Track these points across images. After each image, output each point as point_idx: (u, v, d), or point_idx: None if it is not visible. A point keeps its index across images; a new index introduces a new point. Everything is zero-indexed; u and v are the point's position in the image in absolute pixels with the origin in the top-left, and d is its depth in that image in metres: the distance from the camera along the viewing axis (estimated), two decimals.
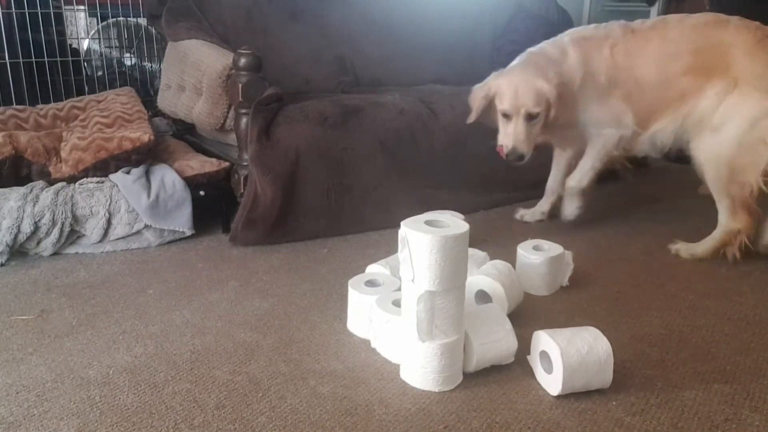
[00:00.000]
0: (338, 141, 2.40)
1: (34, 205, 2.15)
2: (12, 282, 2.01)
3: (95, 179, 2.32)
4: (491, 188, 2.75)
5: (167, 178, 2.35)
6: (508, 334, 1.54)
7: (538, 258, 1.96)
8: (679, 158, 2.60)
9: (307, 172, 2.35)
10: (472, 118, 2.31)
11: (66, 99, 2.87)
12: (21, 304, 1.86)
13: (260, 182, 2.29)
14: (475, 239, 2.29)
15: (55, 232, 2.16)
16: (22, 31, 2.99)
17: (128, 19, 3.30)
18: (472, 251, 1.98)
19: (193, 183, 2.39)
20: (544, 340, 1.47)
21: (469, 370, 1.51)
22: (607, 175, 2.55)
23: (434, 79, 3.28)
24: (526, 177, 2.69)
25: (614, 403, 1.44)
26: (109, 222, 2.23)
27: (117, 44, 3.32)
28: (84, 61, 3.25)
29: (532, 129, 2.20)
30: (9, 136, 2.31)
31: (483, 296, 1.77)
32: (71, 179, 2.32)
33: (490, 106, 2.27)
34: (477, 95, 2.30)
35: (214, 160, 2.53)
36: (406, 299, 1.46)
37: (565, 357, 1.40)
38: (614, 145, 2.33)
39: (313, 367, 1.56)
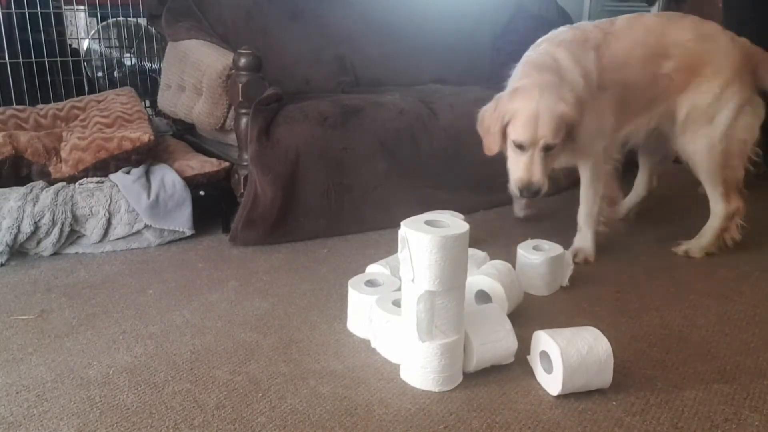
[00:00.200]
0: (338, 141, 2.40)
1: (34, 205, 2.15)
2: (12, 282, 2.01)
3: (95, 179, 2.32)
4: (491, 188, 2.75)
5: (167, 178, 2.35)
6: (508, 334, 1.54)
7: (538, 258, 1.96)
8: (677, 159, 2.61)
9: (307, 172, 2.35)
10: (493, 150, 2.04)
11: (66, 99, 2.87)
12: (21, 304, 1.86)
13: (260, 182, 2.29)
14: (475, 239, 2.29)
15: (55, 232, 2.16)
16: (22, 31, 2.99)
17: (128, 19, 3.30)
18: (472, 251, 1.98)
19: (193, 183, 2.40)
20: (544, 340, 1.47)
21: (469, 370, 1.51)
22: None
23: (434, 79, 3.28)
24: None
25: (614, 403, 1.44)
26: (109, 222, 2.23)
27: (117, 44, 3.32)
28: (84, 61, 3.25)
29: (549, 160, 1.97)
30: (9, 136, 2.31)
31: (483, 296, 1.77)
32: (71, 179, 2.32)
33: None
34: (490, 122, 2.03)
35: (214, 160, 2.53)
36: (406, 299, 1.46)
37: (565, 357, 1.40)
38: (603, 159, 2.20)
39: (313, 367, 1.56)
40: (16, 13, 2.92)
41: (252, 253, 2.28)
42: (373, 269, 1.92)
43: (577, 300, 1.95)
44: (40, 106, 2.74)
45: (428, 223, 1.43)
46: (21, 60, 2.97)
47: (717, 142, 2.22)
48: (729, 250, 2.36)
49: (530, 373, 1.53)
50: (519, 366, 1.55)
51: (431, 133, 2.60)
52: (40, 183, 2.27)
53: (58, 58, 3.09)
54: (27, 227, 2.13)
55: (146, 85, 3.39)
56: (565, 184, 2.65)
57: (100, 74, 3.30)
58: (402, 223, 1.43)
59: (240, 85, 2.28)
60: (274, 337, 1.70)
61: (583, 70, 2.10)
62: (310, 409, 1.39)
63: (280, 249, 2.32)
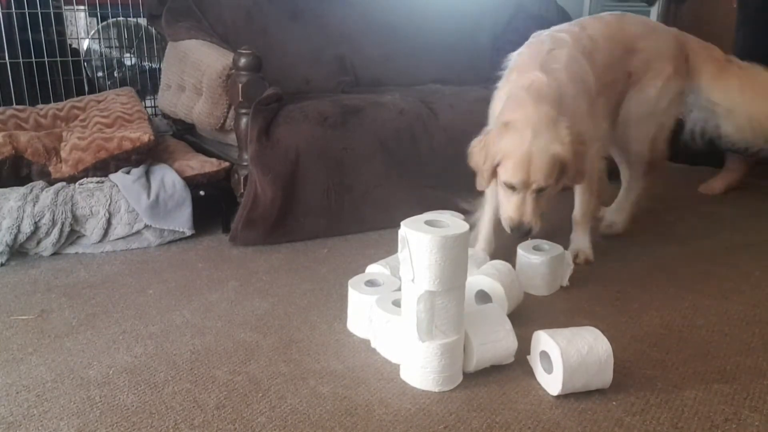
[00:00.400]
0: (338, 141, 2.40)
1: (34, 205, 2.15)
2: (12, 282, 2.01)
3: (95, 179, 2.32)
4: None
5: (167, 178, 2.35)
6: (508, 334, 1.54)
7: (538, 258, 1.96)
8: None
9: (307, 172, 2.35)
10: (484, 187, 1.94)
11: (66, 99, 2.87)
12: (21, 304, 1.86)
13: (260, 182, 2.29)
14: (475, 239, 2.29)
15: (55, 232, 2.16)
16: (22, 31, 2.99)
17: (128, 19, 3.30)
18: (471, 251, 1.98)
19: (193, 183, 2.40)
20: (544, 340, 1.47)
21: (469, 370, 1.51)
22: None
23: (434, 79, 3.28)
24: None
25: (614, 403, 1.44)
26: (109, 222, 2.23)
27: (117, 44, 3.32)
28: (84, 61, 3.25)
29: (542, 199, 1.85)
30: (9, 136, 2.31)
31: (483, 296, 1.77)
32: (71, 179, 2.32)
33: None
34: (479, 159, 1.91)
35: (214, 160, 2.53)
36: (406, 299, 1.46)
37: (565, 357, 1.40)
38: (599, 159, 2.17)
39: (313, 367, 1.56)
40: (16, 13, 2.92)
41: (252, 253, 2.28)
42: (373, 269, 1.92)
43: (577, 300, 1.95)
44: (40, 106, 2.74)
45: (428, 223, 1.43)
46: (21, 60, 2.97)
47: (656, 129, 2.33)
48: (729, 250, 2.37)
49: (530, 373, 1.53)
50: (519, 366, 1.55)
51: (431, 133, 2.60)
52: (40, 183, 2.27)
53: (58, 58, 3.09)
54: (27, 227, 2.13)
55: (146, 84, 3.38)
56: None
57: (100, 74, 3.30)
58: (402, 223, 1.43)
59: (240, 85, 2.28)
60: (274, 337, 1.70)
61: (583, 86, 2.00)
62: (310, 409, 1.39)
63: (280, 249, 2.32)
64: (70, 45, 3.24)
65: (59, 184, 2.25)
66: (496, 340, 1.52)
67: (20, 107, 2.68)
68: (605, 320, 1.81)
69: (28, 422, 1.33)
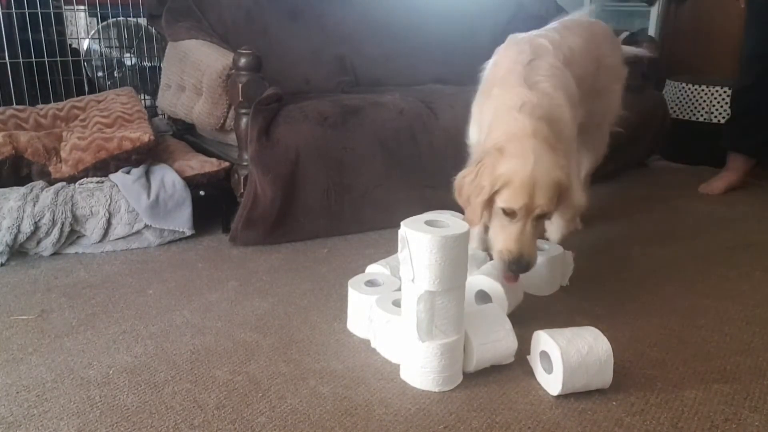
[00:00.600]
0: (338, 141, 2.40)
1: (34, 205, 2.15)
2: (12, 282, 2.01)
3: (95, 179, 2.32)
4: None
5: (167, 178, 2.35)
6: (508, 334, 1.54)
7: (538, 258, 1.95)
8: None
9: (307, 172, 2.35)
10: (475, 224, 1.71)
11: (66, 99, 2.87)
12: (21, 304, 1.86)
13: (260, 182, 2.29)
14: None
15: (55, 232, 2.16)
16: (22, 31, 2.99)
17: (128, 19, 3.30)
18: (472, 251, 1.98)
19: (193, 183, 2.40)
20: (544, 340, 1.47)
21: (469, 370, 1.52)
22: (606, 176, 2.56)
23: (434, 79, 3.27)
24: None
25: (614, 403, 1.44)
26: (109, 222, 2.23)
27: (117, 44, 3.32)
28: (84, 61, 3.25)
29: (538, 229, 1.72)
30: (9, 136, 2.31)
31: (483, 296, 1.77)
32: (71, 179, 2.32)
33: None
34: (470, 192, 1.69)
35: (214, 160, 2.53)
36: (406, 299, 1.46)
37: (565, 357, 1.40)
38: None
39: (313, 367, 1.56)
40: (16, 13, 2.92)
41: (252, 253, 2.28)
42: (373, 269, 1.92)
43: (577, 300, 1.95)
44: (40, 106, 2.74)
45: (428, 223, 1.43)
46: (21, 60, 2.97)
47: (610, 123, 2.36)
48: (729, 250, 2.37)
49: (530, 373, 1.53)
50: (519, 366, 1.55)
51: (431, 133, 2.60)
52: (40, 183, 2.27)
53: (58, 58, 3.09)
54: (27, 227, 2.13)
55: (146, 83, 3.38)
56: None
57: (100, 74, 3.30)
58: (402, 223, 1.43)
59: (240, 85, 2.28)
60: (274, 337, 1.70)
61: (568, 96, 1.86)
62: (310, 409, 1.39)
63: (280, 249, 2.32)
64: (70, 45, 3.24)
65: (59, 184, 2.25)
66: (496, 340, 1.53)
67: (20, 107, 2.68)
68: (605, 320, 1.81)
69: (28, 422, 1.33)
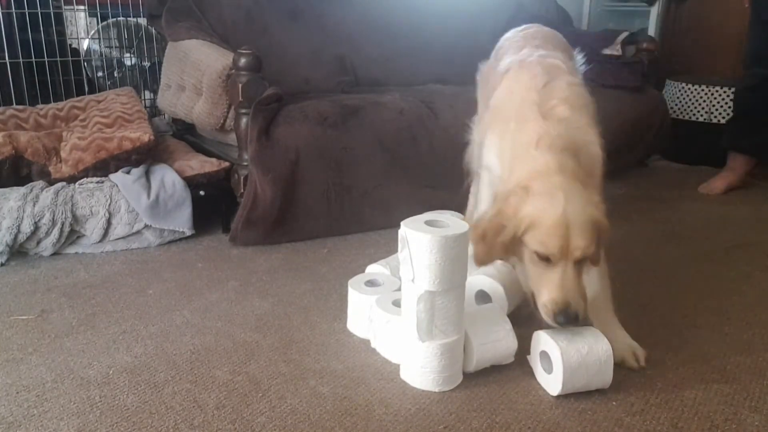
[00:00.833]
0: (338, 141, 2.40)
1: (34, 205, 2.15)
2: (12, 282, 2.01)
3: (95, 179, 2.32)
4: None
5: (167, 178, 2.35)
6: (508, 334, 1.54)
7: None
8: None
9: (306, 172, 2.35)
10: (486, 263, 1.59)
11: (66, 99, 2.87)
12: (21, 304, 1.86)
13: (260, 182, 2.29)
14: None
15: (55, 232, 2.16)
16: (22, 31, 2.99)
17: (128, 19, 3.29)
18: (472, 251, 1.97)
19: (193, 183, 2.39)
20: (544, 340, 1.47)
21: (469, 370, 1.51)
22: (606, 176, 2.55)
23: (434, 79, 3.27)
24: None
25: (614, 403, 1.44)
26: (109, 222, 2.23)
27: (117, 44, 3.32)
28: (84, 61, 3.25)
29: (582, 274, 1.51)
30: (9, 136, 2.31)
31: (483, 296, 1.77)
32: (71, 179, 2.32)
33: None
34: (488, 229, 1.53)
35: (214, 160, 2.53)
36: (406, 299, 1.46)
37: (566, 357, 1.40)
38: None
39: (313, 367, 1.56)
40: (16, 13, 2.92)
41: (252, 253, 2.28)
42: (373, 269, 1.92)
43: None
44: (40, 106, 2.74)
45: (428, 223, 1.43)
46: (21, 60, 2.97)
47: None
48: (729, 250, 2.37)
49: (530, 373, 1.53)
50: (519, 366, 1.55)
51: (431, 133, 2.60)
52: (40, 183, 2.27)
53: (58, 58, 3.09)
54: (27, 227, 2.13)
55: (146, 83, 3.38)
56: None
57: (100, 74, 3.30)
58: (402, 223, 1.43)
59: (240, 85, 2.28)
60: (274, 337, 1.70)
61: (588, 114, 1.71)
62: (310, 409, 1.39)
63: (280, 249, 2.32)
64: (70, 45, 3.24)
65: (59, 184, 2.25)
66: (496, 340, 1.53)
67: (20, 107, 2.68)
68: None
69: (28, 422, 1.33)
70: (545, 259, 1.46)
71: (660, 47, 3.82)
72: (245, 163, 2.35)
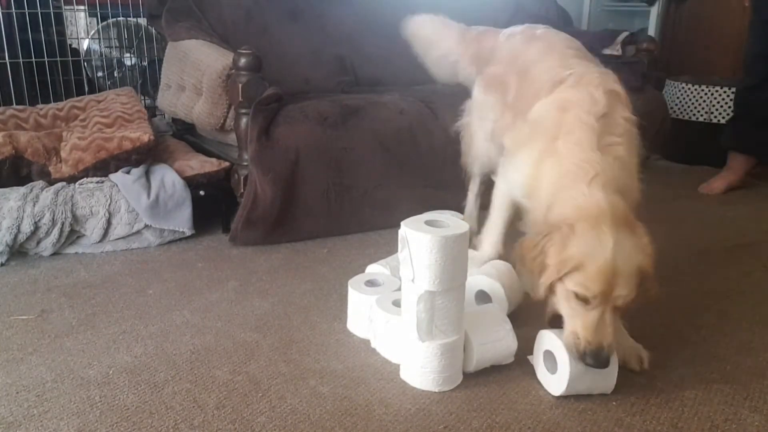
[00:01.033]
0: (338, 141, 2.40)
1: (34, 205, 2.15)
2: (12, 282, 2.01)
3: (95, 179, 2.32)
4: (491, 188, 2.75)
5: (167, 178, 2.35)
6: (508, 333, 1.54)
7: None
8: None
9: (306, 172, 2.35)
10: (540, 294, 1.48)
11: (66, 99, 2.87)
12: (21, 304, 1.86)
13: (260, 182, 2.29)
14: (475, 240, 2.29)
15: (55, 232, 2.16)
16: (22, 31, 2.99)
17: (128, 19, 3.29)
18: (473, 253, 1.97)
19: (193, 183, 2.39)
20: (551, 340, 1.46)
21: (469, 370, 1.51)
22: None
23: (434, 79, 3.27)
24: None
25: (614, 403, 1.44)
26: (109, 222, 2.23)
27: (117, 44, 3.32)
28: (84, 61, 3.25)
29: (617, 317, 1.47)
30: (9, 136, 2.31)
31: (483, 296, 1.77)
32: (71, 179, 2.32)
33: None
34: (532, 266, 1.46)
35: (214, 160, 2.53)
36: (406, 299, 1.46)
37: (574, 360, 1.39)
38: None
39: (313, 367, 1.56)
40: (16, 13, 2.92)
41: (252, 253, 2.28)
42: (373, 269, 1.92)
43: None
44: (40, 106, 2.74)
45: (428, 223, 1.43)
46: (21, 60, 2.97)
47: None
48: (729, 250, 2.37)
49: (530, 373, 1.53)
50: (519, 366, 1.55)
51: (431, 133, 2.60)
52: (40, 183, 2.27)
53: (58, 58, 3.09)
54: (27, 227, 2.13)
55: (146, 83, 3.39)
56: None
57: (100, 74, 3.30)
58: (402, 223, 1.43)
59: (240, 85, 2.27)
60: (274, 337, 1.70)
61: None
62: (310, 409, 1.39)
63: (280, 249, 2.32)
64: (70, 45, 3.24)
65: (59, 184, 2.25)
66: (497, 340, 1.52)
67: (20, 107, 2.68)
68: None
69: (28, 422, 1.33)
70: (583, 300, 1.41)
71: (660, 47, 3.81)
72: (245, 163, 2.35)
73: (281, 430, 1.32)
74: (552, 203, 1.50)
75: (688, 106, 3.78)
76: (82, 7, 3.25)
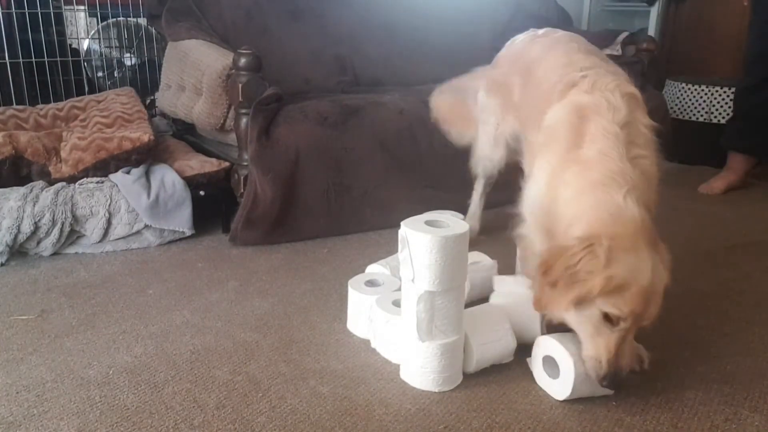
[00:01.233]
0: (338, 141, 2.40)
1: (34, 205, 2.15)
2: (12, 282, 2.01)
3: (95, 179, 2.32)
4: (496, 189, 2.75)
5: (167, 178, 2.35)
6: (507, 332, 1.54)
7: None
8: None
9: (306, 172, 2.35)
10: (555, 314, 1.43)
11: (66, 99, 2.87)
12: (21, 304, 1.86)
13: (260, 182, 2.29)
14: (475, 240, 2.29)
15: (55, 232, 2.16)
16: (22, 31, 2.99)
17: (128, 19, 3.30)
18: (479, 257, 1.96)
19: (193, 183, 2.40)
20: (551, 346, 1.45)
21: (470, 370, 1.51)
22: None
23: (434, 79, 3.25)
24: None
25: (614, 403, 1.44)
26: (109, 222, 2.23)
27: (117, 44, 3.32)
28: (84, 61, 3.25)
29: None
30: (9, 136, 2.31)
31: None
32: (71, 179, 2.32)
33: None
34: (559, 276, 1.34)
35: (214, 160, 2.53)
36: (406, 299, 1.46)
37: (578, 365, 1.38)
38: None
39: (313, 367, 1.56)
40: (16, 13, 2.92)
41: (252, 253, 2.28)
42: (373, 269, 1.92)
43: None
44: (40, 106, 2.74)
45: (428, 223, 1.43)
46: (21, 60, 2.97)
47: None
48: (729, 250, 2.37)
49: (530, 374, 1.53)
50: (519, 366, 1.55)
51: (431, 133, 2.60)
52: (40, 183, 2.27)
53: (58, 58, 3.09)
54: (27, 227, 2.13)
55: (146, 83, 3.39)
56: None
57: (100, 74, 3.30)
58: (402, 223, 1.43)
59: (240, 85, 2.28)
60: (274, 337, 1.70)
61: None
62: (310, 409, 1.39)
63: (280, 249, 2.32)
64: (70, 45, 3.24)
65: (59, 184, 2.25)
66: (496, 339, 1.53)
67: (20, 107, 2.68)
68: None
69: (28, 422, 1.33)
70: (613, 320, 1.34)
71: (660, 47, 3.81)
72: (245, 163, 2.35)
73: (281, 430, 1.32)
74: (578, 214, 1.40)
75: (688, 106, 3.78)
76: (82, 7, 3.25)
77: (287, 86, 2.57)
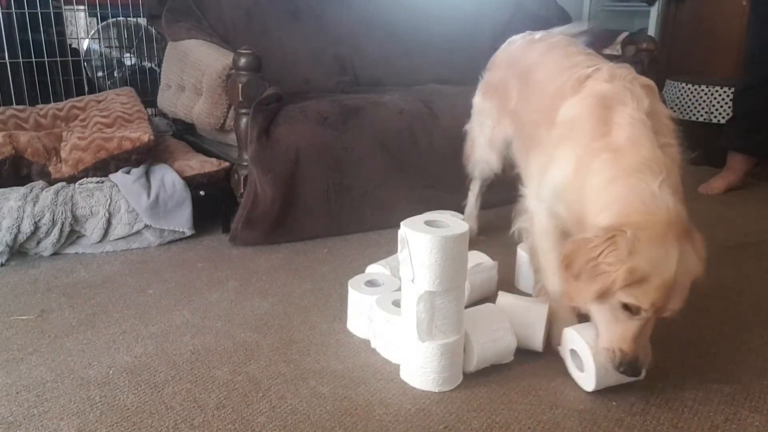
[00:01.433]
0: (338, 141, 2.40)
1: (34, 205, 2.15)
2: (12, 282, 2.01)
3: (95, 179, 2.32)
4: (491, 188, 2.75)
5: (167, 178, 2.35)
6: (507, 332, 1.54)
7: None
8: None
9: (306, 172, 2.35)
10: (580, 304, 1.43)
11: (66, 99, 2.87)
12: (21, 304, 1.86)
13: (260, 182, 2.29)
14: (475, 240, 2.30)
15: (55, 232, 2.16)
16: (22, 31, 2.99)
17: (128, 19, 3.30)
18: (480, 257, 1.96)
19: (193, 183, 2.40)
20: (572, 339, 1.47)
21: (470, 370, 1.52)
22: None
23: (434, 79, 3.27)
24: None
25: (614, 403, 1.44)
26: (109, 222, 2.23)
27: (117, 44, 3.32)
28: (84, 61, 3.25)
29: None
30: (9, 136, 2.31)
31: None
32: (71, 179, 2.32)
33: None
34: (582, 268, 1.35)
35: (214, 160, 2.53)
36: (406, 299, 1.46)
37: (598, 356, 1.40)
38: None
39: (313, 367, 1.56)
40: (16, 13, 2.92)
41: (252, 253, 2.28)
42: (373, 269, 1.92)
43: None
44: (40, 106, 2.74)
45: (428, 223, 1.43)
46: (21, 60, 2.97)
47: None
48: (729, 250, 2.36)
49: (530, 373, 1.53)
50: (519, 366, 1.55)
51: (431, 133, 2.60)
52: (40, 183, 2.27)
53: (58, 58, 3.09)
54: (27, 227, 2.13)
55: (146, 84, 3.39)
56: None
57: (100, 74, 3.30)
58: (402, 223, 1.43)
59: (240, 85, 2.28)
60: (274, 337, 1.70)
61: None
62: (310, 409, 1.39)
63: (280, 249, 2.32)
64: (70, 45, 3.24)
65: (59, 184, 2.25)
66: (497, 339, 1.53)
67: (20, 107, 2.68)
68: None
69: (28, 422, 1.33)
70: (630, 310, 1.33)
71: (660, 47, 3.81)
72: (245, 163, 2.35)
73: (281, 430, 1.32)
74: (610, 202, 1.37)
75: (688, 106, 3.78)
76: (82, 7, 3.25)
77: (287, 86, 2.57)
